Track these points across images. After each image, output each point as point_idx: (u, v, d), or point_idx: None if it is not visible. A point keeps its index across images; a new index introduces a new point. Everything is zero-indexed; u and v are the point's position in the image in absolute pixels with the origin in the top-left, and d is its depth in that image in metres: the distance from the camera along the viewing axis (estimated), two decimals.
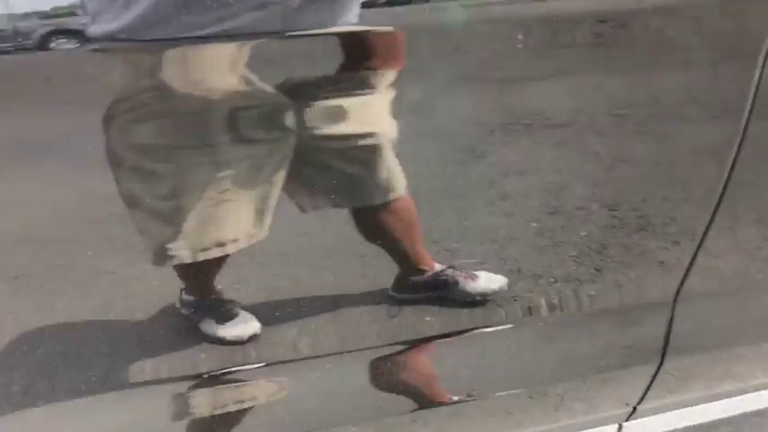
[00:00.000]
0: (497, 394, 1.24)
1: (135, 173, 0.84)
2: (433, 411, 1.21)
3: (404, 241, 1.09)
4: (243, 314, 0.99)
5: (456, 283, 1.14)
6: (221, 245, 0.89)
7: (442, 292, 1.15)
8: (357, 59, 0.89)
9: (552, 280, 1.16)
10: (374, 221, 1.04)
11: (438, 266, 1.12)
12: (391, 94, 0.91)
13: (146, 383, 0.94)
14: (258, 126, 0.87)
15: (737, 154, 1.09)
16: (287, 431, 1.10)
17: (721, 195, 1.12)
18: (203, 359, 0.98)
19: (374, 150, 0.96)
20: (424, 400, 1.19)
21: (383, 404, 1.16)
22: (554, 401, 1.27)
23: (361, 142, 0.95)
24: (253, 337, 0.99)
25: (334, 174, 0.95)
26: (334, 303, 1.04)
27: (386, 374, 1.14)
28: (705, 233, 1.16)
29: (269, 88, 0.85)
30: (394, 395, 1.16)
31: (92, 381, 0.91)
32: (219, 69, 0.82)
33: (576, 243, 1.15)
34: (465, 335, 1.16)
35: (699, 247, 1.17)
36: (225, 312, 0.97)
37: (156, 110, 0.81)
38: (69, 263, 0.86)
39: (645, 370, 1.28)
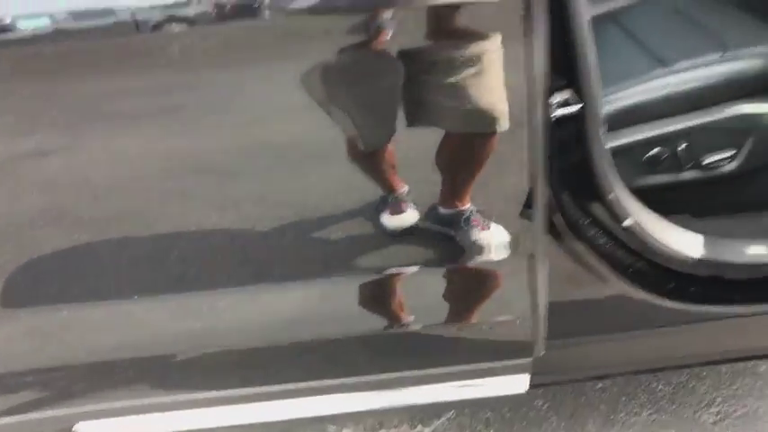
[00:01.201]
0: None
1: None
2: None
3: (466, 176, 1.01)
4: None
5: (468, 225, 1.05)
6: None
7: (451, 230, 1.06)
8: None
9: None
10: (460, 149, 0.99)
11: (465, 206, 1.03)
12: None
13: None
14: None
15: None
16: None
17: None
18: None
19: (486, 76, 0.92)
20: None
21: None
22: None
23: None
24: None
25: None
26: None
27: None
28: None
29: None
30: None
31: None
32: None
33: None
34: None
35: None
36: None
37: None
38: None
39: None
